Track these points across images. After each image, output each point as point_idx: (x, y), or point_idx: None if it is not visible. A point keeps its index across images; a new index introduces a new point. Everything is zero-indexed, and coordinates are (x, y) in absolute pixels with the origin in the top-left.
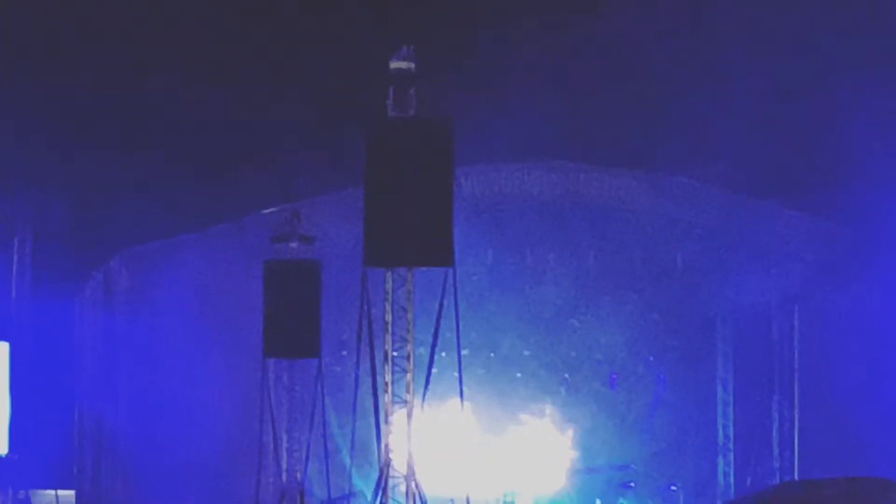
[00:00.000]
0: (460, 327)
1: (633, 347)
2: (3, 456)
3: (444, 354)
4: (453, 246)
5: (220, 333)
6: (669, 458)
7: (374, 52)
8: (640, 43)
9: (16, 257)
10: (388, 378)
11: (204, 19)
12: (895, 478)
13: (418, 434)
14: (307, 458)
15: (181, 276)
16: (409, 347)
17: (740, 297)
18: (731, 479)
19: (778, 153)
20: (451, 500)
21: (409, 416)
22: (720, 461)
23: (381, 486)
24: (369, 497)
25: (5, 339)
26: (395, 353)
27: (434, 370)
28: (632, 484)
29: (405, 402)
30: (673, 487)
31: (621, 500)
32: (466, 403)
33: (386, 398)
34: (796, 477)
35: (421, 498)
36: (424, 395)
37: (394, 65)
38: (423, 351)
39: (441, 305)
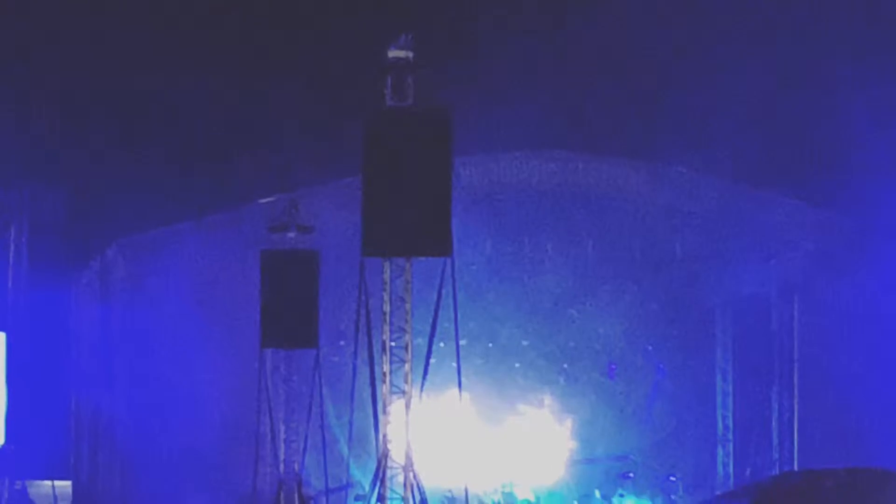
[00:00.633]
0: (459, 317)
1: (632, 337)
2: (0, 446)
3: (442, 344)
4: (451, 235)
5: (216, 323)
6: (668, 449)
7: (371, 41)
8: (639, 33)
9: (12, 247)
10: (387, 368)
11: (201, 10)
12: (894, 468)
13: (416, 425)
14: (305, 448)
15: (178, 265)
16: (407, 338)
17: (740, 286)
18: (731, 470)
19: (777, 142)
20: (450, 491)
21: (408, 406)
22: (719, 451)
23: (379, 476)
24: (367, 488)
25: (2, 329)
26: (393, 344)
27: (432, 360)
28: (631, 474)
29: (403, 392)
30: (672, 478)
31: (620, 491)
32: (465, 394)
33: (384, 388)
34: (796, 467)
35: (419, 489)
36: (423, 385)
37: (392, 53)
38: (422, 341)
39: (439, 295)
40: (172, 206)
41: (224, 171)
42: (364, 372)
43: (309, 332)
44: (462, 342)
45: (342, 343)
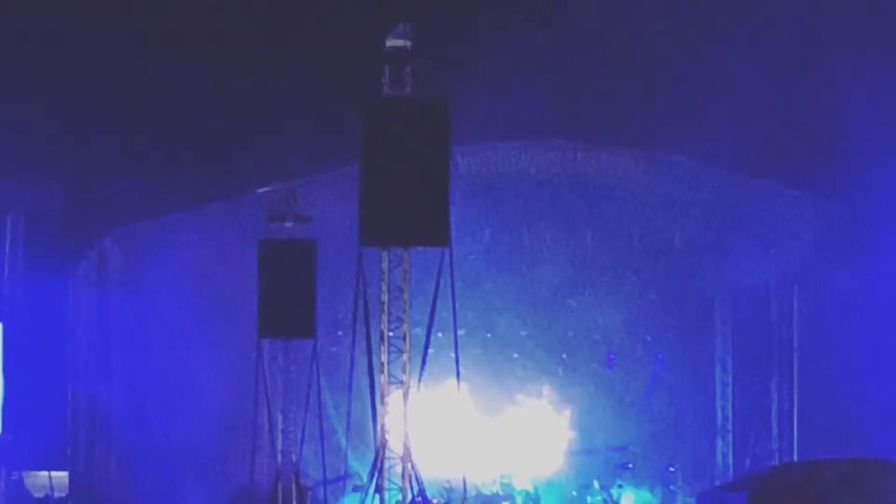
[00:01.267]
0: (457, 307)
1: (631, 328)
2: None
3: (440, 335)
4: (450, 225)
5: (214, 314)
6: (668, 439)
7: (369, 30)
8: (639, 22)
9: (8, 237)
10: (385, 358)
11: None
12: (895, 459)
13: (415, 415)
14: (302, 439)
15: (175, 255)
16: (405, 328)
17: (739, 276)
18: (730, 461)
19: (777, 132)
20: (448, 482)
21: (406, 396)
22: (719, 442)
23: (378, 467)
24: (365, 478)
25: None
26: (391, 334)
27: (430, 350)
28: (630, 465)
29: (401, 382)
30: (671, 468)
31: (619, 481)
32: (463, 384)
33: (382, 379)
34: (796, 458)
35: (417, 479)
36: (421, 375)
37: (390, 42)
38: (420, 331)
39: (437, 285)
40: (170, 195)
41: (222, 160)
42: (362, 362)
43: (307, 322)
44: (460, 332)
45: (340, 333)
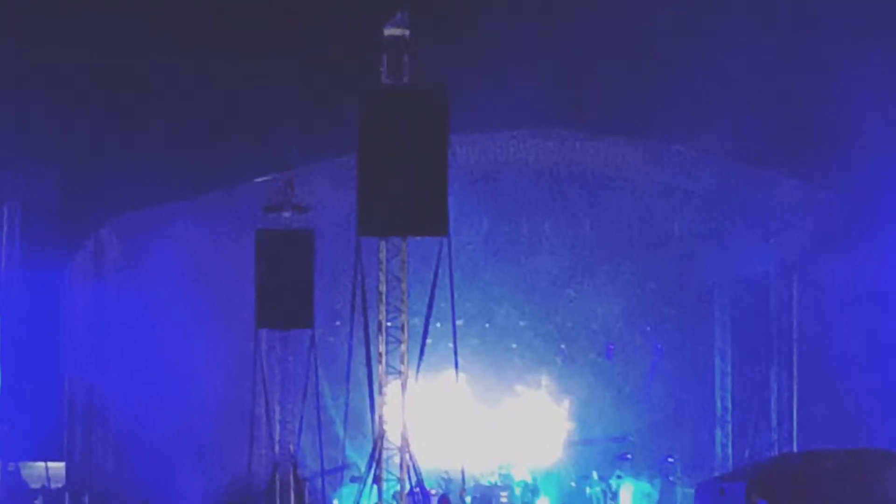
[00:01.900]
0: (455, 297)
1: (630, 317)
2: None
3: (438, 325)
4: (448, 215)
5: (211, 303)
6: (667, 430)
7: (367, 19)
8: (638, 11)
9: (5, 227)
10: (383, 349)
11: None
12: (895, 449)
13: (413, 405)
14: (300, 429)
15: (172, 245)
16: (403, 318)
17: (738, 266)
18: (729, 451)
19: (777, 121)
20: (447, 473)
21: (404, 387)
22: (718, 432)
23: (375, 457)
24: (363, 469)
25: None
26: (389, 324)
27: (429, 340)
28: (628, 455)
29: (399, 372)
30: (670, 459)
31: (618, 472)
32: (461, 374)
33: (380, 369)
34: (795, 448)
35: (415, 470)
36: (419, 365)
37: (387, 31)
38: (418, 321)
39: (436, 275)
40: (167, 185)
41: (219, 150)
42: (360, 352)
43: (304, 312)
44: (459, 322)
45: (338, 323)
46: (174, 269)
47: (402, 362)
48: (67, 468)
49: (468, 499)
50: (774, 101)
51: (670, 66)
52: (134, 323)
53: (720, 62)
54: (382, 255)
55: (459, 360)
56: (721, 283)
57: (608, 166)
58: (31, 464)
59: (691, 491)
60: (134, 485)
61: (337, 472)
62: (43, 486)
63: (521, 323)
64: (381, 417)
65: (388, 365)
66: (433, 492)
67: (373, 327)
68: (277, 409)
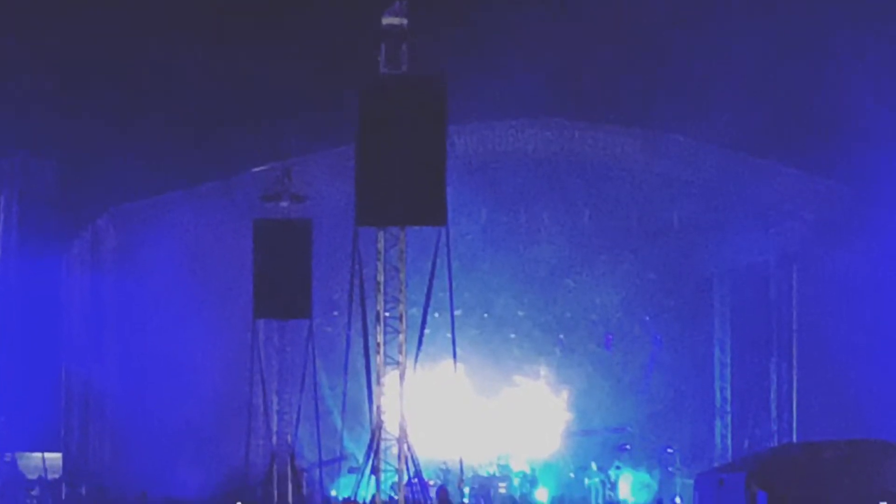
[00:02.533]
0: (453, 287)
1: (629, 308)
2: None
3: (436, 315)
4: (446, 205)
5: (209, 294)
6: (666, 421)
7: (365, 7)
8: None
9: (2, 216)
10: (380, 339)
11: None
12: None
13: (411, 396)
14: (298, 420)
15: (169, 234)
16: (401, 308)
17: (738, 256)
18: (729, 442)
19: (777, 111)
20: (445, 463)
21: (402, 377)
22: (717, 423)
23: (373, 448)
24: (361, 460)
25: None
26: (387, 314)
27: (427, 331)
28: (627, 446)
29: (397, 363)
30: (669, 450)
31: (617, 463)
32: (460, 365)
33: (378, 359)
34: (795, 439)
35: (413, 461)
36: (417, 356)
37: (386, 20)
38: (416, 311)
39: (434, 265)
40: (164, 175)
41: (216, 140)
42: (358, 343)
43: (302, 302)
44: (457, 312)
45: (336, 313)
46: (171, 260)
47: (401, 353)
48: (64, 459)
49: (466, 490)
50: (774, 90)
51: (669, 55)
52: (131, 313)
53: (720, 52)
54: (380, 245)
55: (458, 350)
56: (720, 274)
57: (607, 156)
58: (27, 454)
59: (690, 482)
60: (131, 476)
61: (335, 462)
62: (40, 477)
63: (520, 313)
64: (379, 408)
65: (386, 355)
66: (431, 483)
67: (371, 317)
68: (275, 399)
